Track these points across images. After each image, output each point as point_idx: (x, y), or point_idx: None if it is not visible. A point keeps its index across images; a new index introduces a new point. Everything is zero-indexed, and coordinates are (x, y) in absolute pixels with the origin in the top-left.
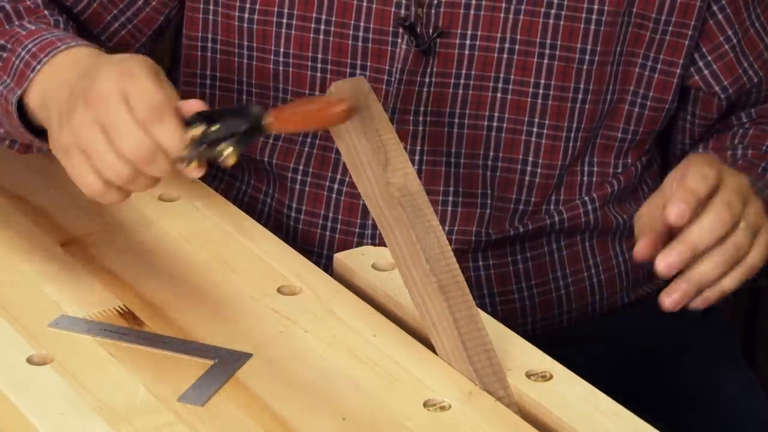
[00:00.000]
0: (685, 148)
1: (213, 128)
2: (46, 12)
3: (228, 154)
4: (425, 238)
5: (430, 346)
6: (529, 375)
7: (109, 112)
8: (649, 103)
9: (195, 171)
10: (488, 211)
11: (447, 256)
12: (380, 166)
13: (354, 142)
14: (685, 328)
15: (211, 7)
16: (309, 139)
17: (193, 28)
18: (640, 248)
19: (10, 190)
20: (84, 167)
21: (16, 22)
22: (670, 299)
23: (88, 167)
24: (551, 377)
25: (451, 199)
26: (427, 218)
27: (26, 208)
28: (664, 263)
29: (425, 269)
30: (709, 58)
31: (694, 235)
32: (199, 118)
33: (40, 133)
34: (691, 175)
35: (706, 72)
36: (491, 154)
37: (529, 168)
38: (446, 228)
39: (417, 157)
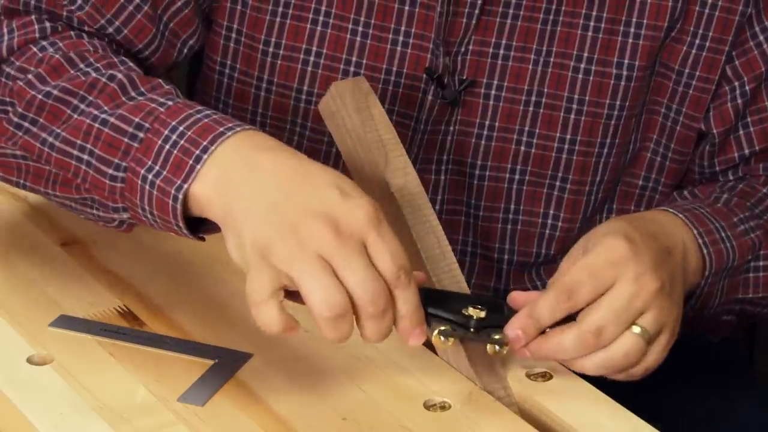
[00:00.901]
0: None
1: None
2: (161, 81)
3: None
4: (425, 238)
5: (430, 346)
6: (529, 375)
7: (345, 250)
8: (670, 154)
9: (419, 339)
10: (505, 266)
11: (447, 256)
12: (380, 166)
13: (354, 143)
14: (694, 344)
15: (234, 35)
16: (298, 129)
17: (213, 51)
18: (514, 296)
19: (10, 190)
20: (269, 276)
21: (133, 93)
22: (512, 330)
23: (274, 278)
24: (551, 377)
25: (470, 249)
26: (427, 218)
27: (26, 208)
28: (521, 353)
29: (425, 269)
30: (749, 119)
31: (560, 342)
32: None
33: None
34: (578, 270)
35: (741, 132)
36: (512, 207)
37: (549, 221)
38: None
39: (437, 207)
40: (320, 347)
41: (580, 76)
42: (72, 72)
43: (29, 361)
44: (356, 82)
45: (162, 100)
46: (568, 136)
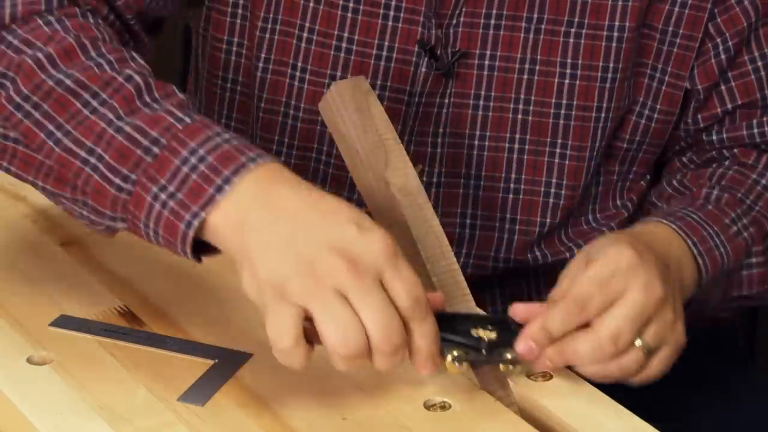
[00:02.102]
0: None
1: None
2: (174, 88)
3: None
4: (425, 238)
5: None
6: (529, 375)
7: (362, 285)
8: (656, 115)
9: (433, 370)
10: (506, 236)
11: (447, 256)
12: (380, 166)
13: (354, 142)
14: (692, 332)
15: (240, 11)
16: (292, 111)
17: (219, 31)
18: (516, 308)
19: (10, 190)
20: (290, 316)
21: (148, 99)
22: (525, 342)
23: (296, 318)
24: (551, 377)
25: (469, 221)
26: (427, 218)
27: (26, 208)
28: (539, 363)
29: (425, 269)
30: (730, 74)
31: (576, 350)
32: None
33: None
34: (588, 282)
35: (723, 87)
36: (513, 176)
37: (552, 190)
38: (463, 251)
39: (435, 180)
40: (320, 347)
41: (572, 40)
42: (84, 60)
43: (29, 361)
44: (356, 82)
45: (179, 114)
46: (564, 102)
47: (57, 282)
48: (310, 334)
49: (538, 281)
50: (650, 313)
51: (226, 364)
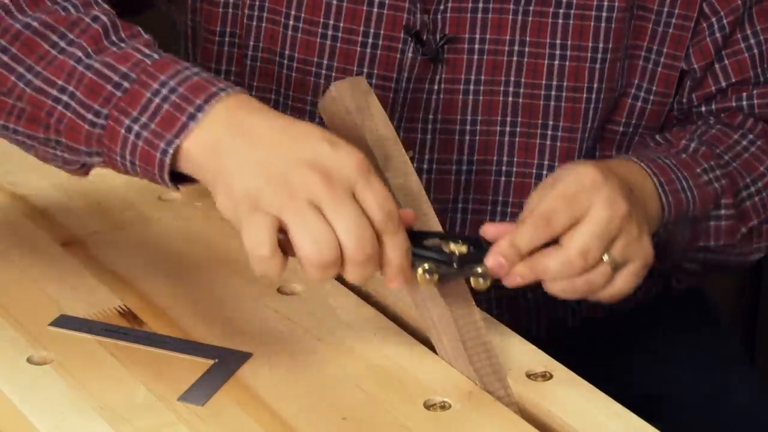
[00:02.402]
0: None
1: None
2: (140, 29)
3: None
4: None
5: (430, 346)
6: (529, 375)
7: (335, 197)
8: (652, 97)
9: (402, 283)
10: (497, 218)
11: None
12: (380, 166)
13: (354, 143)
14: (688, 330)
15: (231, 1)
16: (282, 99)
17: (211, 23)
18: (487, 228)
19: (10, 190)
20: (265, 227)
21: (114, 38)
22: (495, 258)
23: (271, 228)
24: (551, 377)
25: (460, 206)
26: (428, 218)
27: (26, 208)
28: (510, 279)
29: None
30: (724, 52)
31: (546, 266)
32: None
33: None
34: (553, 199)
35: (716, 66)
36: (505, 159)
37: (544, 172)
38: None
39: (425, 166)
40: (320, 347)
41: (560, 21)
42: (50, 4)
43: (29, 361)
44: (355, 82)
45: (147, 51)
46: (554, 83)
47: (57, 282)
48: (284, 245)
49: None
50: (616, 228)
51: (226, 364)
